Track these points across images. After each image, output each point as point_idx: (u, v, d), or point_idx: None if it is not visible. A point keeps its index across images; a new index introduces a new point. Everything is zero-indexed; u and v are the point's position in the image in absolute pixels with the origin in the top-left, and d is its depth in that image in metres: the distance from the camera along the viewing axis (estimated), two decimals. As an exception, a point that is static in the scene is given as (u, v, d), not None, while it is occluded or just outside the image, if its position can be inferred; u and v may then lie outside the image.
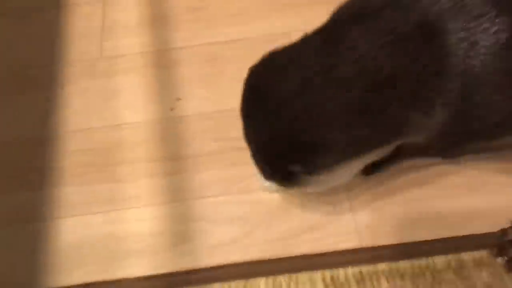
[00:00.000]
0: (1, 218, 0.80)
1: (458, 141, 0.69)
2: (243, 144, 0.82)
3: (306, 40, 0.63)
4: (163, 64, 0.95)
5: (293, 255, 0.73)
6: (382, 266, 0.71)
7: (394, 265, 0.71)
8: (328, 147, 0.59)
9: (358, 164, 0.67)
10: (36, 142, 0.87)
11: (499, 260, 0.70)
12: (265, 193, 0.79)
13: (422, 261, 0.71)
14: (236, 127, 0.84)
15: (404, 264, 0.71)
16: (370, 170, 0.78)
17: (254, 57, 0.92)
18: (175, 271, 0.73)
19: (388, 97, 0.57)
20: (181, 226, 0.77)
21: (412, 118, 0.60)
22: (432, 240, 0.72)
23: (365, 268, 0.71)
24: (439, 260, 0.71)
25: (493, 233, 0.73)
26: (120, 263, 0.75)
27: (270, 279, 0.70)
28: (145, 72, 0.94)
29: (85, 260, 0.75)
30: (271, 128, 0.61)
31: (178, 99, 0.90)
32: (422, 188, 0.78)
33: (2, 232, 0.78)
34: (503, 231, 0.72)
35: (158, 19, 1.01)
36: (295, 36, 0.94)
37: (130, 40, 0.98)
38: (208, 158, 0.83)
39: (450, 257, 0.71)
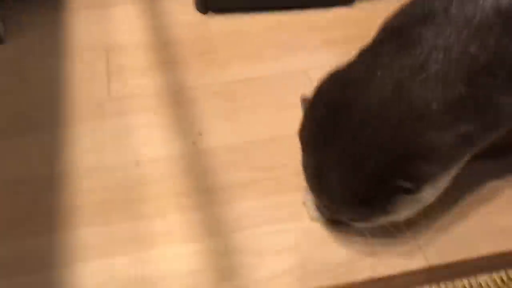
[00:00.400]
0: (5, 267, 0.66)
1: None
2: (278, 173, 0.77)
3: (373, 52, 0.60)
4: (178, 102, 0.89)
5: (361, 281, 0.64)
6: (462, 283, 0.63)
7: (474, 280, 0.63)
8: (436, 150, 0.54)
9: (456, 171, 0.61)
10: (43, 183, 0.76)
11: None
12: (313, 221, 0.71)
13: (502, 274, 0.64)
14: (267, 157, 0.80)
15: (484, 278, 0.64)
16: None
17: (273, 93, 0.91)
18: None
19: (488, 86, 0.55)
20: (223, 262, 0.67)
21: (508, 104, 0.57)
22: (509, 251, 0.66)
23: (444, 285, 0.63)
24: (520, 272, 0.65)
25: None
26: (157, 308, 0.62)
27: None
28: (159, 111, 0.88)
29: (113, 308, 0.62)
30: (367, 142, 0.54)
31: (200, 133, 0.84)
32: (481, 205, 0.73)
33: (8, 282, 0.64)
34: None
35: (166, 63, 0.98)
36: (313, 73, 0.94)
37: (139, 81, 0.93)
38: (243, 189, 0.75)
39: (530, 267, 0.65)
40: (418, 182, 0.55)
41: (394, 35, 0.60)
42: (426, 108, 0.53)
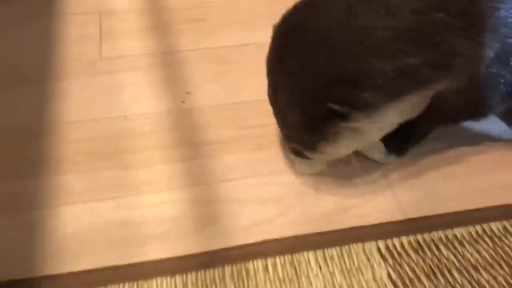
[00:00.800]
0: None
1: (498, 89, 0.65)
2: (264, 132, 0.78)
3: None
4: (168, 63, 0.90)
5: (341, 228, 0.65)
6: (438, 234, 0.64)
7: (450, 232, 0.65)
8: (375, 78, 0.53)
9: (399, 112, 0.60)
10: (31, 133, 0.76)
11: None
12: (297, 175, 0.72)
13: (478, 228, 0.66)
14: (254, 117, 0.81)
15: (460, 231, 0.65)
16: (403, 149, 0.75)
17: (263, 59, 0.92)
18: (209, 250, 0.62)
19: (438, 22, 0.54)
20: (206, 209, 0.68)
21: (461, 47, 0.56)
22: (486, 207, 0.68)
23: (421, 237, 0.64)
24: (495, 226, 0.66)
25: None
26: (139, 249, 0.63)
27: (320, 252, 0.62)
28: (149, 70, 0.89)
29: (95, 247, 0.63)
30: (310, 64, 0.55)
31: (188, 92, 0.85)
32: (457, 165, 0.75)
33: (-8, 219, 0.65)
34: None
35: (158, 27, 0.99)
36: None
37: (131, 43, 0.94)
38: (229, 145, 0.76)
39: (506, 223, 0.66)
40: (350, 107, 0.54)
41: None
42: (370, 35, 0.53)
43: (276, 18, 1.00)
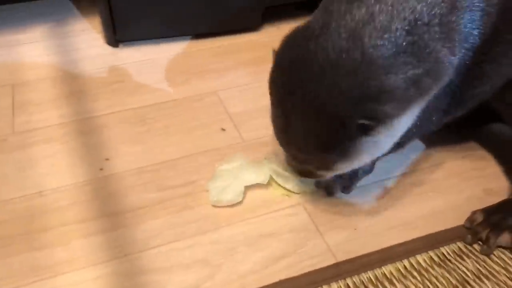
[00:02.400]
0: None
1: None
2: (187, 190, 0.76)
3: (326, 10, 0.62)
4: (84, 131, 0.88)
5: (271, 283, 0.63)
6: (367, 275, 0.64)
7: (378, 271, 0.64)
8: (392, 92, 0.58)
9: (408, 122, 0.64)
10: None
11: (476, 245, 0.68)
12: (222, 232, 0.71)
13: (406, 262, 0.66)
14: (176, 176, 0.79)
15: (388, 269, 0.65)
16: (332, 189, 0.75)
17: (183, 115, 0.91)
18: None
19: (424, 36, 0.59)
20: (130, 283, 0.65)
21: (444, 56, 0.60)
22: (410, 240, 0.68)
23: (351, 280, 0.63)
24: (422, 258, 0.66)
25: (462, 225, 0.71)
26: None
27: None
28: (65, 140, 0.86)
29: None
30: (329, 89, 0.58)
31: (107, 159, 0.82)
32: (380, 201, 0.75)
33: None
34: (470, 219, 0.71)
35: (73, 95, 0.97)
36: (222, 94, 0.96)
37: (46, 114, 0.91)
38: (153, 208, 0.74)
39: (432, 253, 0.67)
40: (375, 121, 0.58)
41: None
42: (376, 54, 0.57)
43: (192, 74, 1.01)
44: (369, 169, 0.77)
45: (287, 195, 0.76)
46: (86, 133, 0.87)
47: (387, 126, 0.60)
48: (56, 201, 0.75)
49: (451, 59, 0.62)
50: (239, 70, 1.03)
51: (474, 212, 0.72)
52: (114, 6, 1.04)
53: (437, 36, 0.60)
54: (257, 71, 1.02)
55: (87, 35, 1.14)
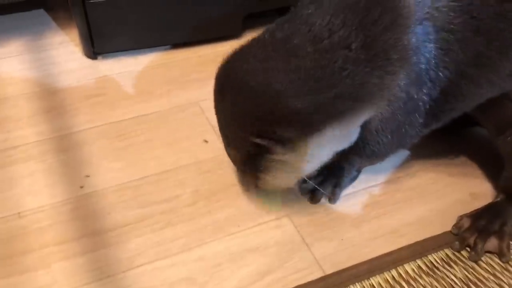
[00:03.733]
0: None
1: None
2: (171, 206, 0.75)
3: (265, 32, 0.64)
4: (64, 147, 0.86)
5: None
6: (355, 287, 0.63)
7: (367, 282, 0.64)
8: (290, 115, 0.58)
9: (323, 145, 0.63)
10: None
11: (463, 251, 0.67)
12: (207, 248, 0.69)
13: (394, 272, 0.65)
14: (159, 191, 0.78)
15: (377, 280, 0.64)
16: (316, 197, 0.75)
17: (165, 127, 0.90)
18: None
19: (343, 57, 0.58)
20: (114, 305, 0.63)
21: (369, 77, 0.60)
22: (397, 249, 0.67)
23: (338, 293, 0.63)
24: (410, 267, 0.66)
25: (449, 231, 0.71)
26: None
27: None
28: (45, 158, 0.84)
29: None
30: (235, 107, 0.62)
31: (87, 176, 0.80)
32: (366, 209, 0.75)
33: None
34: (457, 225, 0.71)
35: (52, 110, 0.94)
36: (204, 104, 0.95)
37: (24, 131, 0.89)
38: (136, 226, 0.73)
39: (420, 261, 0.66)
40: (271, 141, 0.60)
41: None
42: (281, 76, 0.58)
43: (173, 85, 1.00)
44: (353, 177, 0.76)
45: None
46: (66, 150, 0.85)
47: (289, 148, 0.61)
48: (35, 222, 0.73)
49: (389, 78, 0.61)
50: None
51: (460, 218, 0.71)
52: (91, 18, 1.02)
53: (360, 58, 0.59)
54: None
55: (65, 48, 1.12)
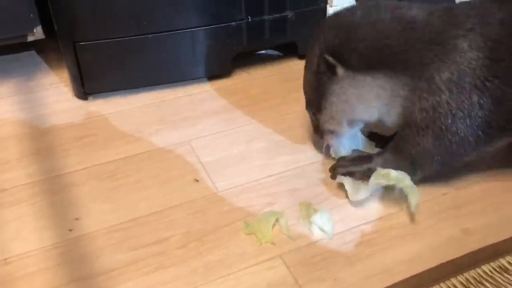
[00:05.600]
0: None
1: None
2: (162, 248, 0.74)
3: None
4: (53, 190, 0.85)
5: None
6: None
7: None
8: (356, 44, 0.74)
9: (375, 92, 0.76)
10: None
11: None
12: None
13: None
14: (149, 233, 0.77)
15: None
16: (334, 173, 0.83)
17: (156, 167, 0.90)
18: None
19: (411, 29, 0.74)
20: None
21: (426, 54, 0.73)
22: (392, 285, 0.67)
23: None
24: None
25: (444, 263, 0.70)
26: None
27: None
28: (33, 201, 0.83)
29: None
30: (320, 37, 0.78)
31: (76, 218, 0.79)
32: (361, 247, 0.74)
33: None
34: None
35: (41, 152, 0.94)
36: (194, 143, 0.95)
37: (13, 174, 0.89)
38: (125, 270, 0.71)
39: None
40: (338, 61, 0.75)
41: None
42: (365, 25, 0.75)
43: (164, 124, 1.00)
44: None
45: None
46: (55, 192, 0.84)
47: (351, 76, 0.75)
48: (22, 268, 0.71)
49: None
50: (211, 118, 1.03)
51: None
52: (81, 59, 1.04)
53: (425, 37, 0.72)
54: (229, 117, 1.02)
55: (55, 89, 1.12)
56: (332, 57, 0.74)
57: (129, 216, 0.80)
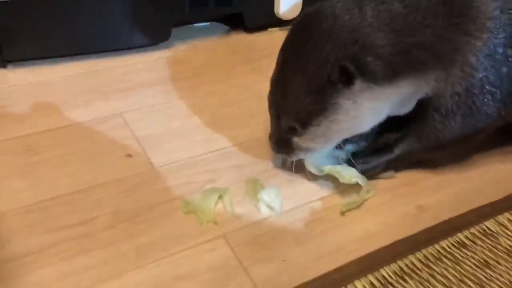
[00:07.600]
0: None
1: None
2: (88, 228, 0.64)
3: None
4: (-42, 165, 0.73)
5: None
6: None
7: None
8: (376, 49, 0.62)
9: (393, 97, 0.66)
10: None
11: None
12: (129, 278, 0.59)
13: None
14: (72, 213, 0.67)
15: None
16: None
17: (83, 141, 0.79)
18: None
19: (430, 9, 0.64)
20: None
21: (448, 34, 0.65)
22: (346, 265, 0.61)
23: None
24: (361, 284, 0.59)
25: (399, 240, 0.65)
26: None
27: None
28: None
29: None
30: (324, 36, 0.63)
31: (-15, 198, 0.68)
32: (309, 226, 0.68)
33: None
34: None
35: None
36: (128, 116, 0.85)
37: None
38: (40, 255, 0.61)
39: (371, 277, 0.60)
40: (357, 70, 0.62)
41: None
42: (373, 21, 0.63)
43: (94, 95, 0.89)
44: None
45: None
46: (-42, 169, 0.72)
47: (369, 85, 0.63)
48: None
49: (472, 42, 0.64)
50: (148, 90, 0.93)
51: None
52: (-1, 21, 0.91)
53: (441, 11, 0.63)
54: (169, 90, 0.93)
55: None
56: (352, 63, 0.61)
57: (49, 194, 0.69)
